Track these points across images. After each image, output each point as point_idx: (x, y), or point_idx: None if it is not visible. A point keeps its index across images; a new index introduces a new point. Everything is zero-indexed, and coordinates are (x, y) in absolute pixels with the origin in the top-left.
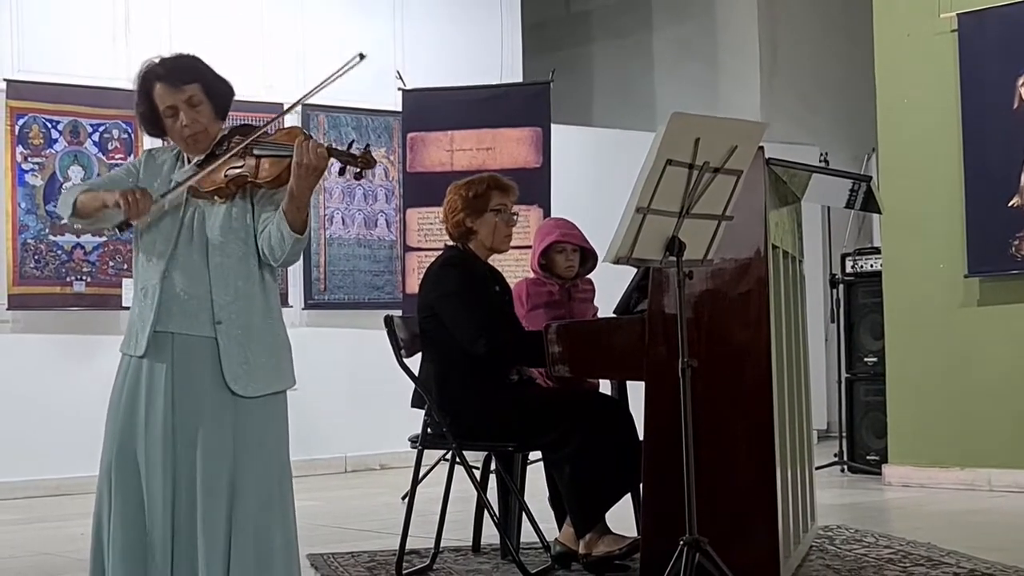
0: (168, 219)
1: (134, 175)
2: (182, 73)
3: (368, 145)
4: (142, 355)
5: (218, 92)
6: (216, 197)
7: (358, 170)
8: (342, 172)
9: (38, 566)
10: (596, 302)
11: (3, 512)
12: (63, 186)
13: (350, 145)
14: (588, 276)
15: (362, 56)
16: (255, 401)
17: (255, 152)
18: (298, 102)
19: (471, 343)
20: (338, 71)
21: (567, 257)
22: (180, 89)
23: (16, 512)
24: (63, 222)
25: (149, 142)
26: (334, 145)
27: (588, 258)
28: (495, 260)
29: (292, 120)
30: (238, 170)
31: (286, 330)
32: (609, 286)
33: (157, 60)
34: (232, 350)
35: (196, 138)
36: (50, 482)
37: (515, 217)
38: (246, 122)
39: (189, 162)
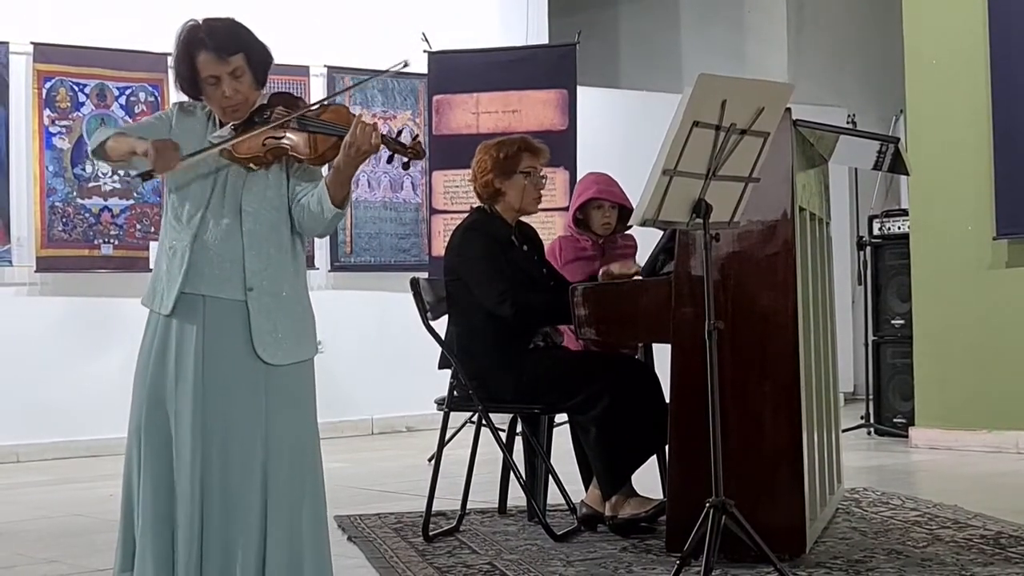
0: (200, 181)
1: (166, 122)
2: (227, 44)
3: (417, 136)
4: (169, 313)
5: (260, 62)
6: (252, 164)
7: (407, 160)
8: (390, 160)
9: (69, 527)
10: None
11: (34, 473)
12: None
13: (399, 133)
14: (629, 232)
15: (407, 64)
16: (283, 369)
17: (304, 127)
18: (336, 94)
19: (496, 306)
20: (384, 71)
21: (604, 214)
22: (225, 61)
23: (47, 473)
24: (88, 158)
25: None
26: (384, 132)
27: (626, 215)
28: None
29: (318, 82)
30: (279, 141)
31: (310, 298)
32: (638, 246)
33: (200, 23)
34: (261, 318)
35: (235, 107)
36: (80, 444)
37: (544, 180)
38: (282, 89)
39: (223, 124)
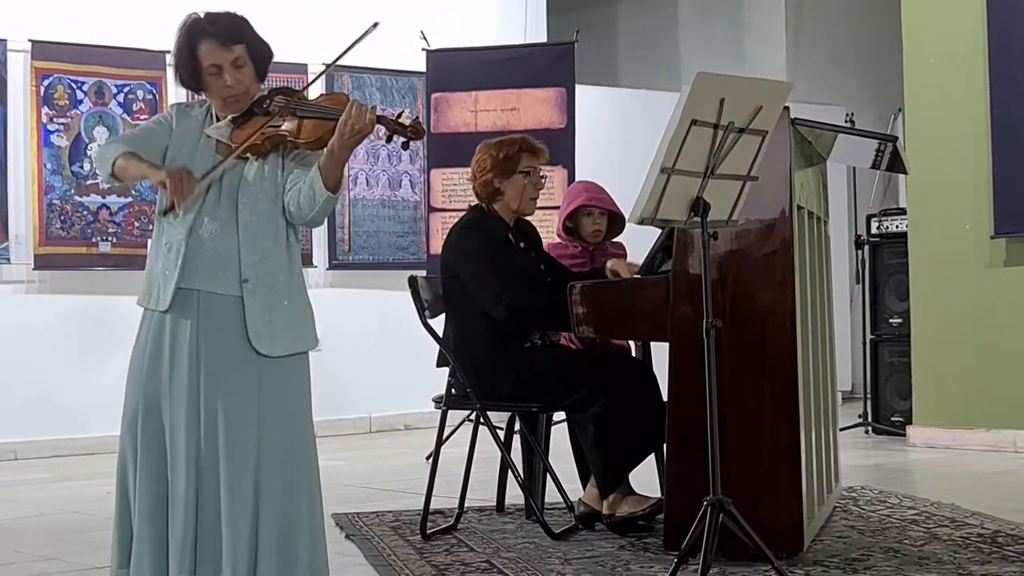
0: (196, 175)
1: (166, 127)
2: (231, 33)
3: (418, 116)
4: (165, 310)
5: (261, 54)
6: (250, 154)
7: (406, 139)
8: (390, 139)
9: (66, 524)
10: None
11: (32, 471)
12: (88, 147)
13: (400, 115)
14: (618, 240)
15: (376, 24)
16: (279, 361)
17: (298, 113)
18: (321, 74)
19: (491, 307)
20: (356, 40)
21: (594, 221)
22: (228, 49)
23: (44, 471)
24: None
25: (175, 99)
26: (384, 112)
27: (616, 222)
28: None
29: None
30: (277, 129)
31: (307, 291)
32: (634, 247)
33: (203, 15)
34: (257, 309)
35: (236, 98)
36: (78, 441)
37: (543, 180)
38: (283, 84)
39: (220, 119)
